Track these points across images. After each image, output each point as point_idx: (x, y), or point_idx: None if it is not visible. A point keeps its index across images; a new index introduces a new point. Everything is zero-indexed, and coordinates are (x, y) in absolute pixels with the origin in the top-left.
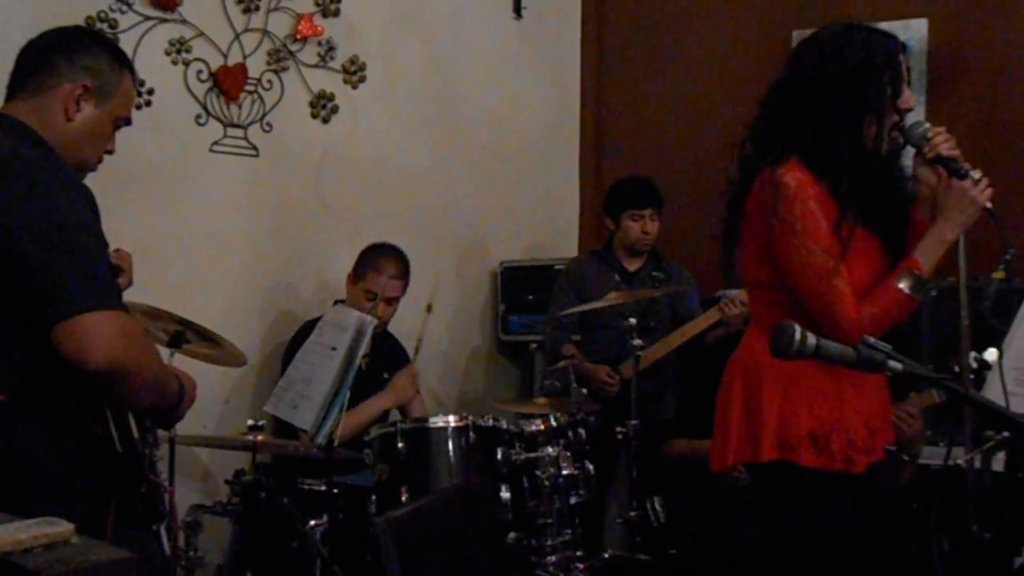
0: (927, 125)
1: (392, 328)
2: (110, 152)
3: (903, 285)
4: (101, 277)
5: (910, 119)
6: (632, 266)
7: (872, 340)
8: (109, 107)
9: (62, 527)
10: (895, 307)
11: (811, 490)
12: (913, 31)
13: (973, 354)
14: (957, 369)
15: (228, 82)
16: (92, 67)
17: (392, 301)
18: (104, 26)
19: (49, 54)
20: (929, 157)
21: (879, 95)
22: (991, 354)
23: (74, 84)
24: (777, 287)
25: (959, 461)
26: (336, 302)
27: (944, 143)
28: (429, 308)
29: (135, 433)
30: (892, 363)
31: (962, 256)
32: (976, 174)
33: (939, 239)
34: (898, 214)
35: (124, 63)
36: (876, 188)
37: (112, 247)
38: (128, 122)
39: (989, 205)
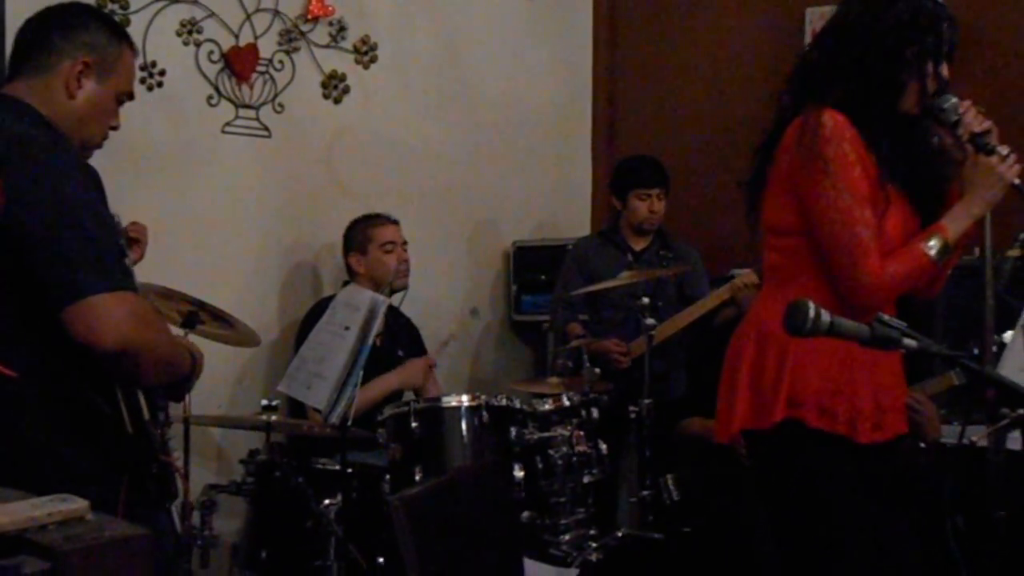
0: (955, 100)
1: (414, 313)
2: (115, 128)
3: (931, 247)
4: (110, 258)
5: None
6: (638, 245)
7: (886, 317)
8: (111, 82)
9: (77, 504)
10: (918, 270)
11: (814, 452)
12: None
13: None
14: (981, 347)
15: (239, 63)
16: (90, 42)
17: (405, 246)
18: (115, 7)
19: (46, 32)
20: (961, 136)
21: (919, 55)
22: (1009, 336)
23: (74, 61)
24: (796, 233)
25: (974, 439)
26: (345, 282)
27: (973, 119)
28: (474, 312)
29: (146, 413)
30: (907, 340)
31: (988, 233)
32: (1004, 150)
33: (967, 212)
34: (932, 181)
35: (123, 37)
36: (909, 148)
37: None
38: (131, 97)
39: (1017, 181)
